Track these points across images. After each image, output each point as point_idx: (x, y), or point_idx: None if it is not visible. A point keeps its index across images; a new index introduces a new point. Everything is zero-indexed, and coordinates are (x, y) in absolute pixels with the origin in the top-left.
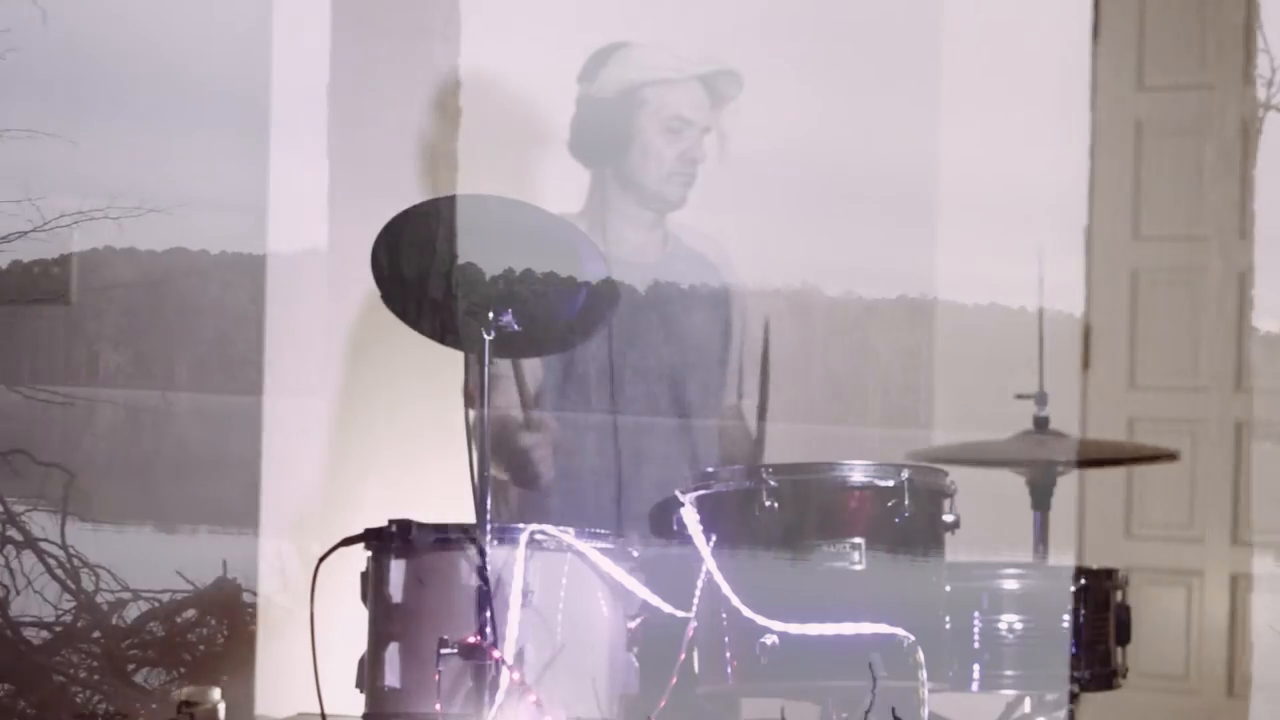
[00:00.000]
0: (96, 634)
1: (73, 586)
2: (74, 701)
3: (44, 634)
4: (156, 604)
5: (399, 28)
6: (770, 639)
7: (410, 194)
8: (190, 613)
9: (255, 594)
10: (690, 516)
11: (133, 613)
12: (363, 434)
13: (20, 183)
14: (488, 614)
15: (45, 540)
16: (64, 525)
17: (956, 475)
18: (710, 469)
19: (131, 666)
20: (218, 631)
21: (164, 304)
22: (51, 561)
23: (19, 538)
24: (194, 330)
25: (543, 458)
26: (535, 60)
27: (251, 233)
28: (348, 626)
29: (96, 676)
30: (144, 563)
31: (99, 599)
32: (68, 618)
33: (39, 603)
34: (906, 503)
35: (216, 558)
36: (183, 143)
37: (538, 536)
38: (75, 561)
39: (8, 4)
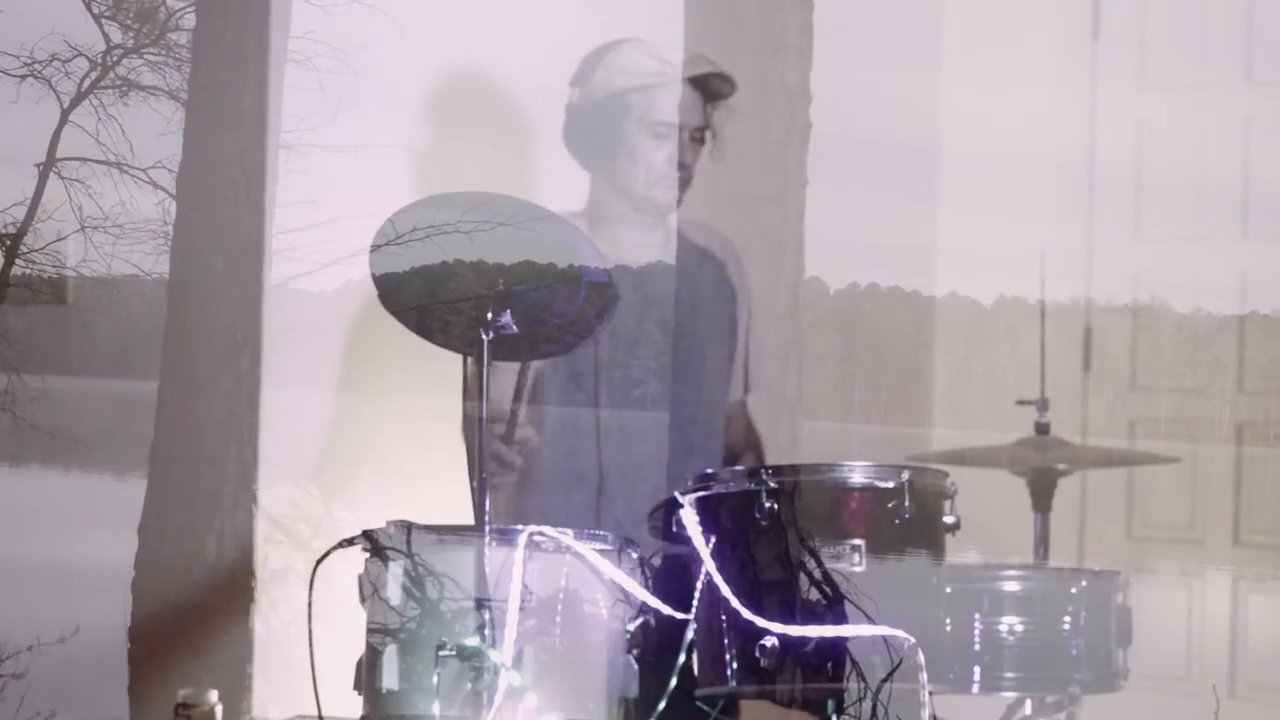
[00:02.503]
0: None
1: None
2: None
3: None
4: None
5: None
6: (770, 641)
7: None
8: None
9: None
10: (689, 518)
11: None
12: (362, 434)
13: (376, 196)
14: (486, 616)
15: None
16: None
17: (957, 476)
18: (710, 470)
19: None
20: None
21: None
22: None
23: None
24: None
25: (515, 468)
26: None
27: None
28: (346, 628)
29: None
30: None
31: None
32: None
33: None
34: (907, 504)
35: None
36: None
37: (536, 538)
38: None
39: (365, 19)
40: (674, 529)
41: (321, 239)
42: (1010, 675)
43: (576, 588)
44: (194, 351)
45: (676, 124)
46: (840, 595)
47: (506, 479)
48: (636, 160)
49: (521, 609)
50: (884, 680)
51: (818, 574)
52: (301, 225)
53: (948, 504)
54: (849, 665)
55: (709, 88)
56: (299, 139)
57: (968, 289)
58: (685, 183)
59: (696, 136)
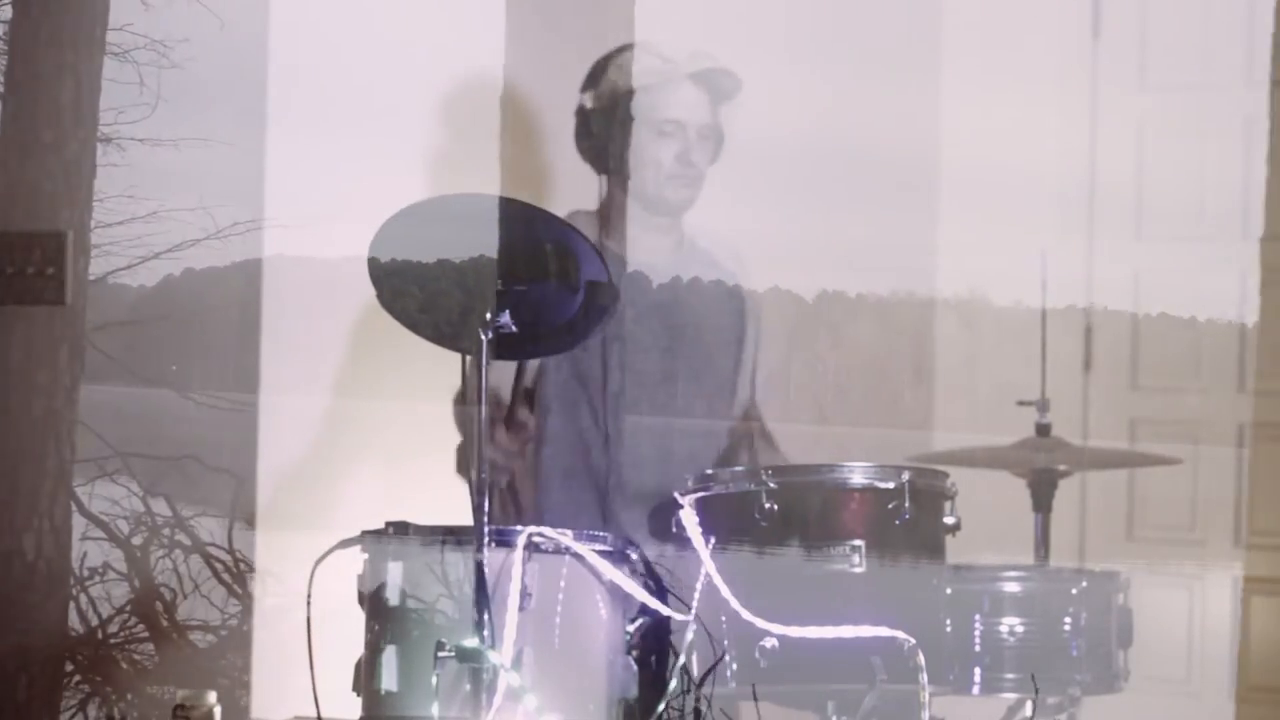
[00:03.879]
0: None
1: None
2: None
3: (209, 638)
4: None
5: None
6: (770, 642)
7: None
8: None
9: None
10: (689, 518)
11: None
12: (360, 435)
13: (194, 190)
14: (485, 617)
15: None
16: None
17: (957, 477)
18: (710, 470)
19: None
20: None
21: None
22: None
23: (187, 542)
24: None
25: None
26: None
27: None
28: (344, 629)
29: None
30: None
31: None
32: (233, 621)
33: (205, 607)
34: (907, 505)
35: None
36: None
37: (536, 539)
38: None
39: (186, 13)
40: (674, 530)
41: (140, 233)
42: (1011, 676)
43: (576, 589)
44: (10, 347)
45: (682, 121)
46: (663, 588)
47: (506, 466)
48: (645, 160)
49: (521, 610)
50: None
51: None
52: (120, 219)
53: (948, 505)
54: (671, 660)
55: (714, 85)
56: (117, 132)
57: (969, 290)
58: (696, 181)
59: (705, 134)
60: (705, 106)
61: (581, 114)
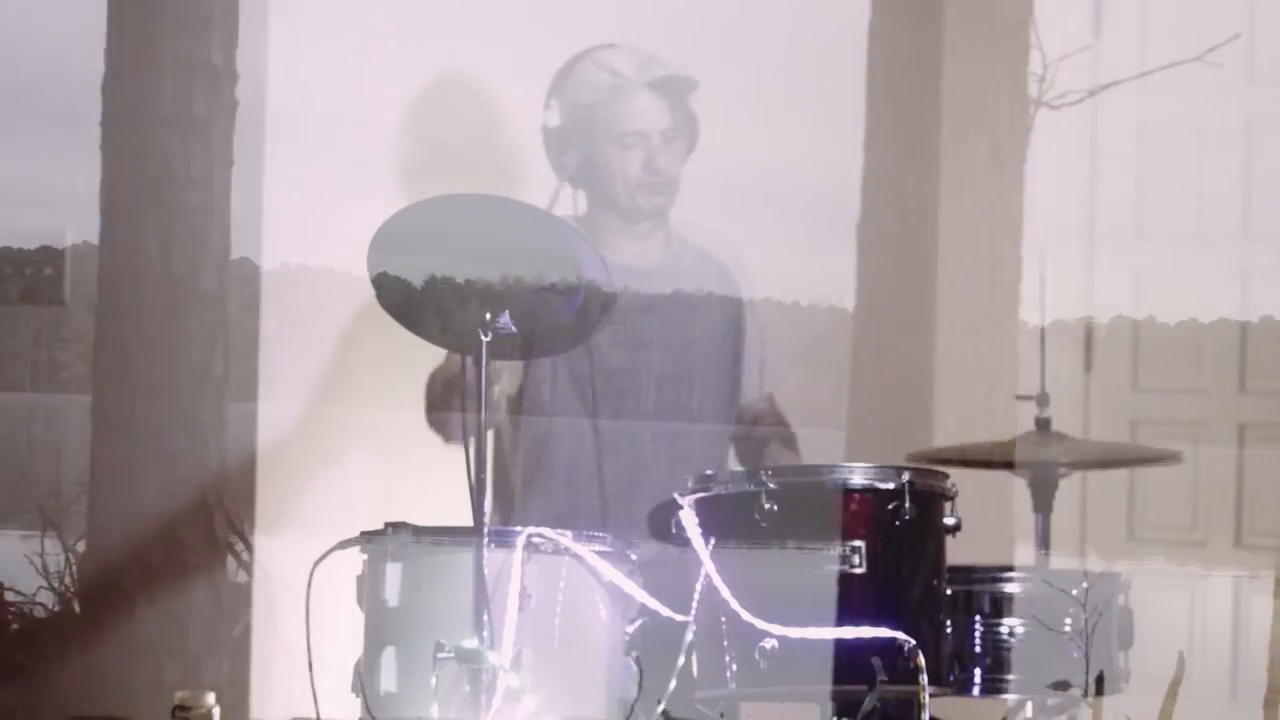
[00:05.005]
0: None
1: None
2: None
3: None
4: None
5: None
6: (769, 643)
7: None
8: None
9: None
10: (689, 519)
11: None
12: (359, 435)
13: None
14: (485, 617)
15: None
16: None
17: (957, 477)
18: (709, 471)
19: None
20: None
21: None
22: None
23: None
24: None
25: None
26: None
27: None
28: (343, 630)
29: None
30: None
31: None
32: None
33: None
34: (907, 505)
35: None
36: None
37: (535, 539)
38: None
39: None
40: (673, 530)
41: None
42: (1011, 678)
43: (575, 589)
44: None
45: (643, 131)
46: None
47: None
48: (613, 173)
49: (520, 611)
50: None
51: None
52: None
53: (948, 505)
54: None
55: (672, 89)
56: None
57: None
58: (666, 186)
59: (670, 136)
60: (664, 111)
61: (546, 132)
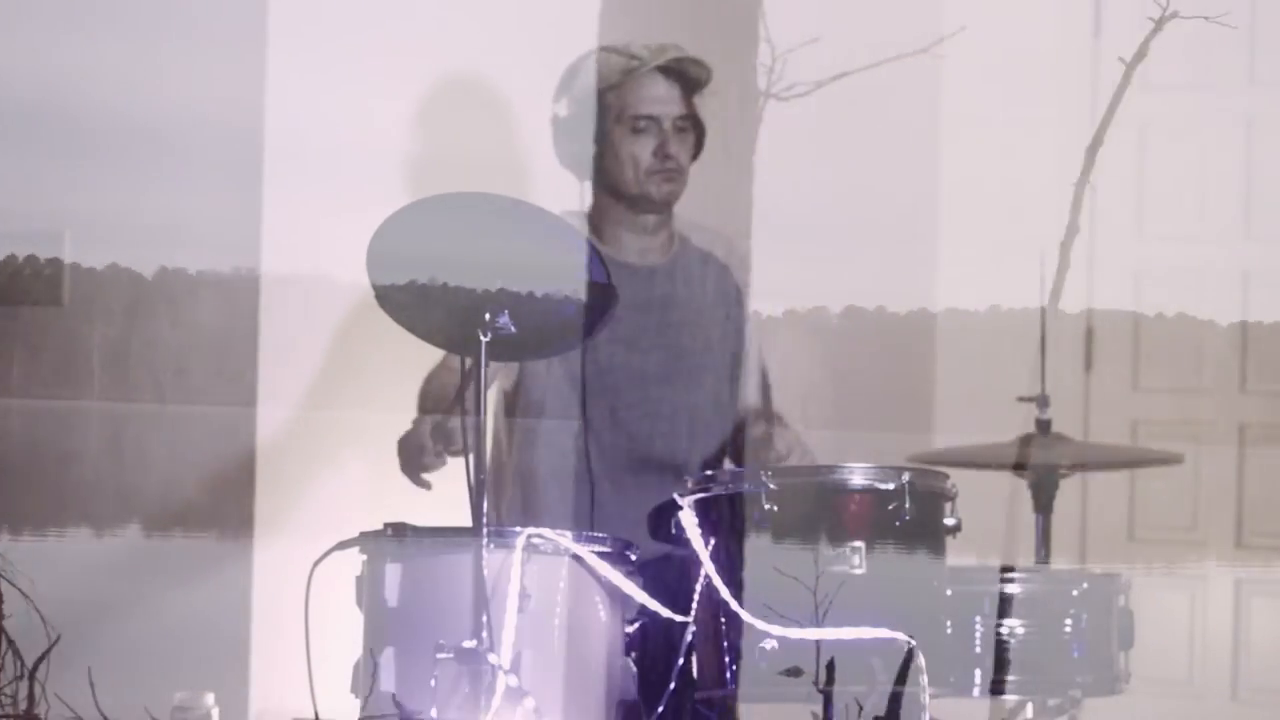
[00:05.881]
0: None
1: None
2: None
3: None
4: None
5: None
6: (769, 643)
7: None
8: None
9: None
10: (689, 520)
11: None
12: (358, 436)
13: None
14: (484, 618)
15: None
16: None
17: (957, 477)
18: (709, 472)
19: None
20: None
21: None
22: None
23: None
24: None
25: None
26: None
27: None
28: (343, 631)
29: None
30: None
31: None
32: None
33: None
34: (907, 506)
35: None
36: None
37: (535, 540)
38: None
39: None
40: (673, 531)
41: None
42: (1012, 678)
43: (575, 590)
44: None
45: (655, 115)
46: None
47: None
48: (623, 159)
49: (520, 612)
50: None
51: None
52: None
53: (948, 506)
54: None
55: (685, 75)
56: None
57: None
58: (677, 174)
59: (680, 126)
60: (678, 98)
61: (556, 123)
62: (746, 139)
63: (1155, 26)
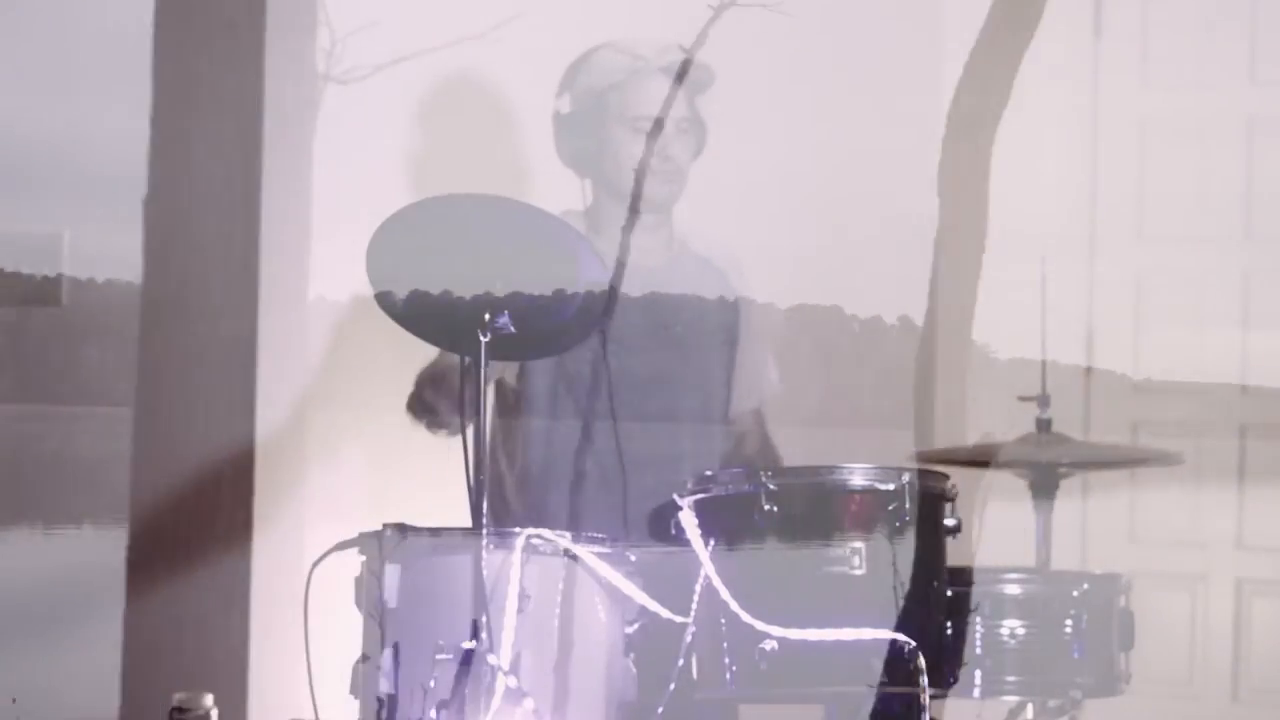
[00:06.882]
0: None
1: None
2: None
3: None
4: None
5: None
6: (769, 644)
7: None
8: None
9: None
10: (689, 520)
11: None
12: (358, 436)
13: None
14: (484, 619)
15: None
16: None
17: (958, 478)
18: (709, 472)
19: None
20: None
21: None
22: None
23: None
24: None
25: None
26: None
27: None
28: (342, 632)
29: None
30: None
31: None
32: None
33: None
34: (907, 506)
35: None
36: None
37: (534, 540)
38: None
39: None
40: (673, 531)
41: None
42: (1012, 679)
43: (575, 591)
44: None
45: (656, 116)
46: None
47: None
48: (623, 158)
49: (519, 612)
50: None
51: None
52: None
53: (948, 506)
54: None
55: (688, 78)
56: None
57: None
58: (676, 175)
59: (683, 127)
60: (680, 99)
61: (557, 120)
62: (305, 122)
63: None
